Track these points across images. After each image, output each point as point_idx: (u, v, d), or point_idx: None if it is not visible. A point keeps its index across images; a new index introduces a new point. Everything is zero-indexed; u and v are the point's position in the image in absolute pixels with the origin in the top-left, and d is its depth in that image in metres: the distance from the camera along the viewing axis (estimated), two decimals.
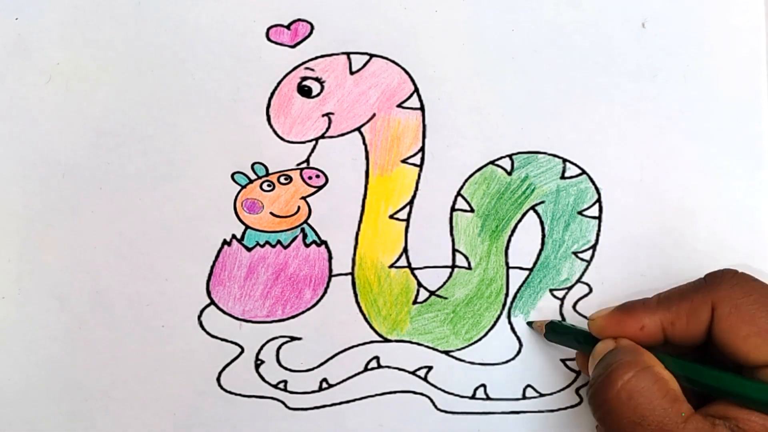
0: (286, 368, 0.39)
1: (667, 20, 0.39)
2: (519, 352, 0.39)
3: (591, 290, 0.39)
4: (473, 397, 0.39)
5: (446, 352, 0.39)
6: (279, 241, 0.39)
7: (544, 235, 0.39)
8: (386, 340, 0.39)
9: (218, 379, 0.39)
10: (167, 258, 0.38)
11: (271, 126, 0.38)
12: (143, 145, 0.38)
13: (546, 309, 0.39)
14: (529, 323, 0.39)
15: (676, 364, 0.33)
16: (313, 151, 0.38)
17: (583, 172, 0.39)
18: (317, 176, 0.38)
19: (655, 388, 0.31)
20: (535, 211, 0.39)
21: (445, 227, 0.39)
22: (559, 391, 0.39)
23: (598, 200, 0.39)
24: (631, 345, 0.34)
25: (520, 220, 0.39)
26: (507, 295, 0.39)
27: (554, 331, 0.38)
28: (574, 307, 0.39)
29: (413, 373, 0.39)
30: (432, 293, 0.39)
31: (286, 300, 0.39)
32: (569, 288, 0.39)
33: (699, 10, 0.39)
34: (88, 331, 0.38)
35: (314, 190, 0.38)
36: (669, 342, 0.34)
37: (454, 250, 0.39)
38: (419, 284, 0.39)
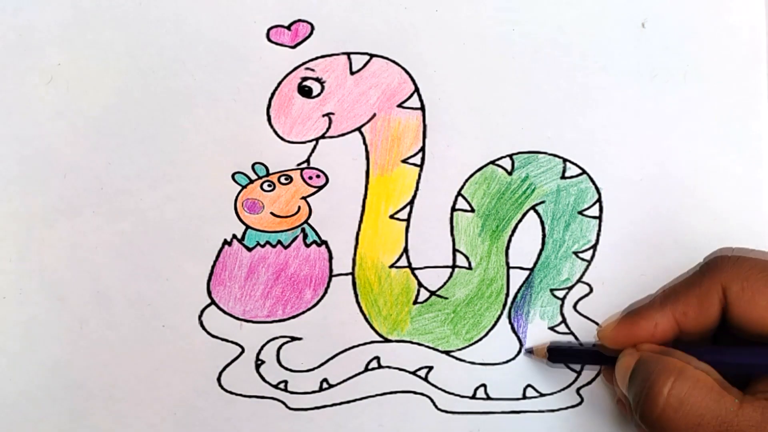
0: (286, 368, 0.39)
1: (667, 20, 0.39)
2: (519, 351, 0.39)
3: (591, 290, 0.39)
4: (474, 397, 0.39)
5: (447, 352, 0.39)
6: (279, 241, 0.39)
7: (544, 235, 0.39)
8: (387, 340, 0.39)
9: (219, 379, 0.39)
10: (168, 258, 0.38)
11: (272, 126, 0.38)
12: (144, 145, 0.38)
13: (544, 316, 0.39)
14: (529, 351, 0.39)
15: (704, 352, 0.32)
16: (313, 151, 0.38)
17: (584, 172, 0.39)
18: (318, 176, 0.38)
19: (700, 387, 0.30)
20: (536, 211, 0.39)
21: (445, 227, 0.39)
22: (559, 391, 0.39)
23: (599, 200, 0.39)
24: (656, 350, 0.33)
25: (520, 220, 0.39)
26: (507, 295, 0.39)
27: (558, 354, 0.38)
28: (574, 307, 0.39)
29: (414, 373, 0.39)
30: (432, 293, 0.39)
31: (287, 300, 0.39)
32: (570, 288, 0.39)
33: (699, 10, 0.39)
34: (88, 331, 0.38)
35: (315, 190, 0.38)
36: (684, 333, 0.34)
37: (455, 250, 0.39)
38: (420, 284, 0.39)
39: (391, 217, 0.39)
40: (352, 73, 0.38)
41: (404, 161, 0.39)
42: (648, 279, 0.39)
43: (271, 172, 0.38)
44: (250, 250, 0.38)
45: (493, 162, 0.39)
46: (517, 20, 0.39)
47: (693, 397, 0.30)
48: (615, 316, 0.35)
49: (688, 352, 0.33)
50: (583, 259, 0.39)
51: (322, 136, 0.38)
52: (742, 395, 0.31)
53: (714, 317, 0.33)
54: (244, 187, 0.38)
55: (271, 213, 0.38)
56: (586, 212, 0.39)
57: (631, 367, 0.33)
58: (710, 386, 0.31)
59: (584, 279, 0.39)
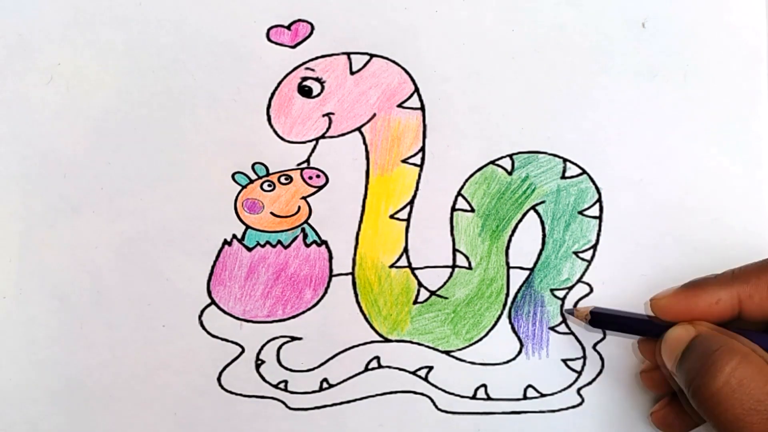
0: (286, 368, 0.39)
1: (667, 20, 0.39)
2: (520, 352, 0.39)
3: (591, 290, 0.39)
4: (474, 397, 0.39)
5: (447, 352, 0.39)
6: (279, 241, 0.39)
7: (544, 235, 0.39)
8: (387, 340, 0.39)
9: (219, 379, 0.39)
10: (168, 258, 0.38)
11: (272, 126, 0.38)
12: (144, 145, 0.38)
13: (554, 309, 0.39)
14: (569, 311, 0.39)
15: (763, 339, 0.32)
16: (313, 151, 0.38)
17: (584, 171, 0.39)
18: (318, 176, 0.38)
19: (761, 376, 0.30)
20: (536, 211, 0.39)
21: (445, 227, 0.39)
22: (560, 392, 0.39)
23: (599, 200, 0.39)
24: (718, 330, 0.32)
25: (520, 220, 0.39)
26: (507, 295, 0.39)
27: (600, 319, 0.37)
28: (574, 307, 0.39)
29: (414, 373, 0.39)
30: (432, 293, 0.39)
31: (287, 300, 0.39)
32: (570, 288, 0.39)
33: (699, 10, 0.39)
34: (88, 331, 0.38)
35: (315, 190, 0.38)
36: (743, 317, 0.33)
37: (455, 250, 0.39)
38: (420, 284, 0.39)
39: (391, 217, 0.39)
40: (352, 73, 0.38)
41: (404, 161, 0.39)
42: (648, 279, 0.39)
43: (271, 172, 0.38)
44: (250, 250, 0.38)
45: (493, 162, 0.39)
46: (517, 20, 0.39)
47: (754, 381, 0.30)
48: (672, 289, 0.35)
49: (748, 335, 0.32)
50: (583, 259, 0.39)
51: (322, 136, 0.38)
52: None
53: None
54: (244, 187, 0.38)
55: (271, 213, 0.38)
56: (586, 212, 0.39)
57: (684, 341, 0.32)
58: None
59: (584, 279, 0.39)
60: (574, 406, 0.40)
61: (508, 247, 0.39)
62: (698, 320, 0.33)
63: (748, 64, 0.39)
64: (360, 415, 0.39)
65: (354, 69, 0.38)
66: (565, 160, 0.39)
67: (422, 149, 0.39)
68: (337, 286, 0.39)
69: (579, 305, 0.39)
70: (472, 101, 0.39)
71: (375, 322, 0.39)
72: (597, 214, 0.39)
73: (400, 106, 0.38)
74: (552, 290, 0.39)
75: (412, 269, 0.39)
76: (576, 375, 0.39)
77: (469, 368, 0.39)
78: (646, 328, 0.36)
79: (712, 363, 0.31)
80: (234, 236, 0.38)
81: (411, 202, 0.39)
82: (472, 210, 0.39)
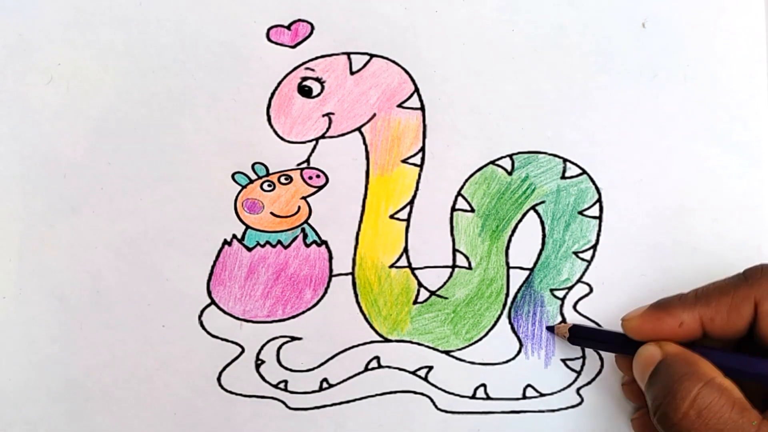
0: (286, 368, 0.39)
1: (667, 20, 0.39)
2: (519, 351, 0.39)
3: (591, 290, 0.39)
4: (473, 396, 0.39)
5: (446, 352, 0.39)
6: (279, 241, 0.39)
7: (544, 235, 0.39)
8: (386, 340, 0.39)
9: (219, 379, 0.39)
10: (168, 258, 0.38)
11: (272, 126, 0.38)
12: (144, 145, 0.38)
13: (553, 311, 0.39)
14: (549, 328, 0.39)
15: (723, 358, 0.33)
16: (313, 151, 0.38)
17: (584, 172, 0.39)
18: (317, 176, 0.38)
19: (723, 401, 0.30)
20: (536, 211, 0.39)
21: (445, 227, 0.39)
22: (559, 391, 0.39)
23: (599, 200, 0.39)
24: (683, 353, 0.33)
25: (520, 220, 0.39)
26: (507, 295, 0.39)
27: (579, 336, 0.38)
28: (574, 307, 0.39)
29: (414, 373, 0.39)
30: (432, 293, 0.39)
31: (287, 300, 0.39)
32: (570, 288, 0.39)
33: (699, 10, 0.39)
34: (88, 331, 0.38)
35: (314, 190, 0.38)
36: (707, 337, 0.34)
37: (455, 250, 0.39)
38: (420, 284, 0.39)
39: (391, 217, 0.39)
40: (352, 73, 0.38)
41: (404, 161, 0.39)
42: (648, 279, 0.39)
43: (271, 172, 0.38)
44: (250, 250, 0.38)
45: (493, 162, 0.39)
46: (517, 20, 0.39)
47: (714, 411, 0.30)
48: (642, 308, 0.35)
49: (711, 354, 0.33)
50: (583, 259, 0.39)
51: (322, 136, 0.38)
52: (760, 417, 0.30)
53: (741, 328, 0.33)
54: (244, 187, 0.38)
55: (271, 213, 0.38)
56: (586, 212, 0.39)
57: (652, 363, 0.33)
58: (732, 403, 0.30)
59: (584, 279, 0.39)
60: (573, 406, 0.40)
61: (508, 247, 0.39)
62: (666, 340, 0.34)
63: (748, 64, 0.39)
64: (360, 415, 0.39)
65: (354, 69, 0.38)
66: (565, 160, 0.39)
67: (422, 149, 0.39)
68: (337, 286, 0.39)
69: (559, 322, 0.39)
70: (472, 101, 0.39)
71: (375, 322, 0.39)
72: (597, 214, 0.39)
73: (400, 106, 0.38)
74: (552, 290, 0.39)
75: (412, 269, 0.39)
76: (575, 375, 0.39)
77: (469, 368, 0.39)
78: (622, 344, 0.36)
79: (676, 391, 0.31)
80: (234, 236, 0.38)
81: (411, 202, 0.39)
82: (472, 210, 0.39)
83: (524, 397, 0.39)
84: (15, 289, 0.38)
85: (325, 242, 0.39)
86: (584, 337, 0.38)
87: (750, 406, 0.31)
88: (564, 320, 0.39)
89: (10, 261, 0.38)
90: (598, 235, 0.39)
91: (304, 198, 0.39)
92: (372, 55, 0.38)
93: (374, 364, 0.39)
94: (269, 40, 0.38)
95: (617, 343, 0.36)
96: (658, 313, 0.34)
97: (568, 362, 0.39)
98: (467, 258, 0.39)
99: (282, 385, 0.39)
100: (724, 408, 0.30)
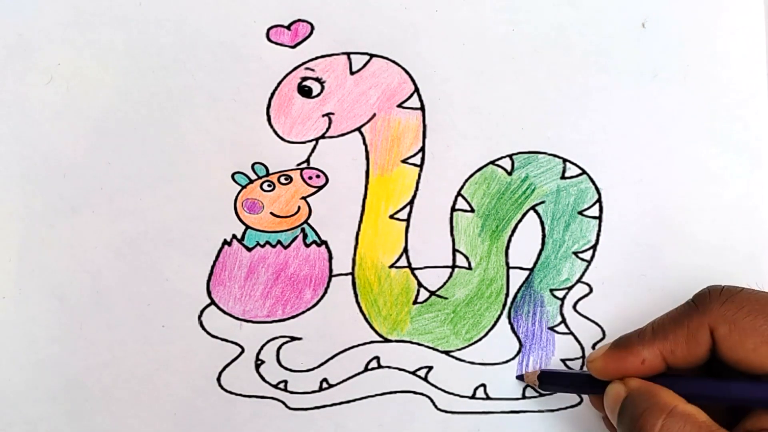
0: (286, 368, 0.39)
1: (667, 20, 0.39)
2: (519, 351, 0.39)
3: (591, 290, 0.39)
4: (473, 396, 0.39)
5: (446, 352, 0.39)
6: (279, 241, 0.39)
7: (544, 235, 0.39)
8: (386, 340, 0.39)
9: (218, 379, 0.39)
10: (167, 258, 0.38)
11: (272, 126, 0.38)
12: (144, 145, 0.38)
13: (546, 314, 0.39)
14: (519, 377, 0.39)
15: (689, 385, 0.33)
16: (313, 151, 0.38)
17: (584, 172, 0.39)
18: (317, 176, 0.38)
19: (688, 428, 0.30)
20: (536, 211, 0.39)
21: (445, 227, 0.39)
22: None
23: (599, 200, 0.39)
24: (645, 386, 0.33)
25: (520, 220, 0.39)
26: (507, 295, 0.39)
27: (548, 381, 0.38)
28: (574, 307, 0.39)
29: (413, 373, 0.39)
30: (432, 293, 0.39)
31: (287, 300, 0.39)
32: (569, 288, 0.39)
33: (699, 10, 0.39)
34: (88, 331, 0.38)
35: (314, 190, 0.38)
36: (671, 368, 0.34)
37: (455, 250, 0.39)
38: (419, 284, 0.39)
39: (391, 217, 0.39)
40: (352, 73, 0.38)
41: (404, 161, 0.39)
42: (648, 279, 0.39)
43: (271, 172, 0.38)
44: (249, 250, 0.38)
45: (493, 162, 0.39)
46: (517, 20, 0.39)
47: None
48: (604, 348, 0.35)
49: (677, 383, 0.33)
50: (583, 259, 0.39)
51: (322, 136, 0.38)
52: None
53: (701, 355, 0.33)
54: (244, 187, 0.38)
55: (271, 213, 0.39)
56: (586, 212, 0.39)
57: (619, 400, 0.33)
58: (700, 424, 0.31)
59: (584, 279, 0.39)
60: (573, 406, 0.40)
61: (507, 247, 0.39)
62: (630, 377, 0.34)
63: (748, 64, 0.39)
64: (360, 415, 0.39)
65: (354, 69, 0.38)
66: (565, 160, 0.39)
67: (422, 149, 0.39)
68: (336, 286, 0.39)
69: (528, 369, 0.39)
70: (472, 101, 0.39)
71: (375, 322, 0.39)
72: (597, 214, 0.39)
73: (400, 106, 0.38)
74: (552, 290, 0.39)
75: (412, 269, 0.39)
76: None
77: (469, 368, 0.39)
78: (591, 385, 0.36)
79: (642, 425, 0.31)
80: (234, 236, 0.38)
81: (411, 202, 0.39)
82: (472, 210, 0.39)
83: (524, 397, 0.39)
84: (15, 289, 0.38)
85: (325, 242, 0.39)
86: (554, 383, 0.38)
87: (717, 427, 0.31)
88: (564, 320, 0.39)
89: (10, 261, 0.38)
90: (598, 235, 0.39)
91: (304, 198, 0.39)
92: (372, 55, 0.38)
93: (374, 364, 0.39)
94: (269, 40, 0.38)
95: (587, 384, 0.36)
96: (619, 353, 0.34)
97: (568, 362, 0.39)
98: (467, 258, 0.39)
99: (282, 385, 0.39)
100: None
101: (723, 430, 0.30)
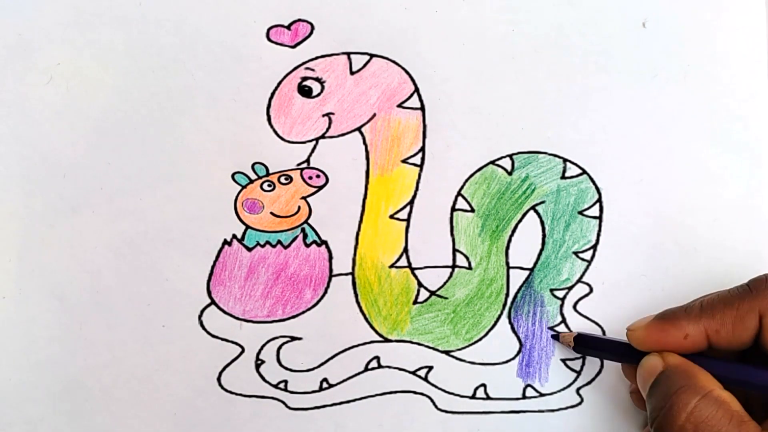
0: (286, 368, 0.39)
1: (667, 20, 0.39)
2: (519, 351, 0.39)
3: (591, 290, 0.39)
4: (473, 396, 0.39)
5: (446, 352, 0.39)
6: (279, 241, 0.39)
7: (544, 235, 0.39)
8: (386, 340, 0.39)
9: (218, 379, 0.39)
10: (168, 258, 0.38)
11: (272, 126, 0.38)
12: (144, 145, 0.38)
13: (554, 311, 0.39)
14: (555, 336, 0.39)
15: (727, 369, 0.33)
16: (313, 151, 0.38)
17: (584, 172, 0.39)
18: (317, 176, 0.38)
19: (720, 414, 0.30)
20: (536, 211, 0.39)
21: (445, 227, 0.39)
22: (559, 391, 0.39)
23: (599, 200, 0.39)
24: (684, 365, 0.33)
25: (520, 220, 0.39)
26: (507, 295, 0.39)
27: (584, 344, 0.38)
28: (574, 307, 0.39)
29: (413, 373, 0.39)
30: (432, 293, 0.39)
31: (287, 300, 0.39)
32: (570, 288, 0.39)
33: (699, 10, 0.39)
34: (88, 331, 0.38)
35: (314, 190, 0.38)
36: (713, 349, 0.34)
37: (455, 250, 0.39)
38: (419, 284, 0.39)
39: (391, 217, 0.39)
40: (352, 73, 0.38)
41: (404, 161, 0.39)
42: (648, 279, 0.39)
43: (271, 172, 0.38)
44: (250, 250, 0.38)
45: (493, 162, 0.39)
46: (517, 20, 0.39)
47: (710, 424, 0.30)
48: (647, 318, 0.35)
49: (715, 365, 0.33)
50: (583, 259, 0.39)
51: (322, 136, 0.38)
52: (759, 429, 0.30)
53: (746, 340, 0.33)
54: (244, 187, 0.38)
55: (271, 213, 0.38)
56: (586, 212, 0.39)
57: (654, 373, 0.33)
58: (730, 416, 0.30)
59: (584, 279, 0.39)
60: (573, 406, 0.40)
61: (508, 247, 0.39)
62: (669, 351, 0.34)
63: (748, 64, 0.39)
64: (360, 415, 0.39)
65: (354, 69, 0.38)
66: (565, 160, 0.39)
67: (422, 149, 0.39)
68: (337, 286, 0.39)
69: (565, 330, 0.39)
70: (472, 101, 0.39)
71: (375, 322, 0.39)
72: (597, 214, 0.39)
73: (400, 106, 0.38)
74: (552, 290, 0.39)
75: (412, 269, 0.39)
76: (575, 375, 0.39)
77: (469, 368, 0.39)
78: (626, 354, 0.36)
79: (673, 403, 0.31)
80: (234, 236, 0.38)
81: (411, 202, 0.39)
82: (472, 210, 0.39)
83: (524, 397, 0.39)
84: (15, 289, 0.38)
85: (325, 242, 0.39)
86: (589, 346, 0.38)
87: (748, 418, 0.31)
88: (564, 320, 0.39)
89: (10, 261, 0.38)
90: (598, 235, 0.39)
91: (304, 198, 0.39)
92: (372, 55, 0.38)
93: (374, 364, 0.39)
94: (269, 40, 0.38)
95: (621, 353, 0.36)
96: (663, 325, 0.34)
97: (568, 362, 0.39)
98: (467, 258, 0.39)
99: (282, 385, 0.39)
100: (722, 421, 0.30)
101: (753, 423, 0.30)
